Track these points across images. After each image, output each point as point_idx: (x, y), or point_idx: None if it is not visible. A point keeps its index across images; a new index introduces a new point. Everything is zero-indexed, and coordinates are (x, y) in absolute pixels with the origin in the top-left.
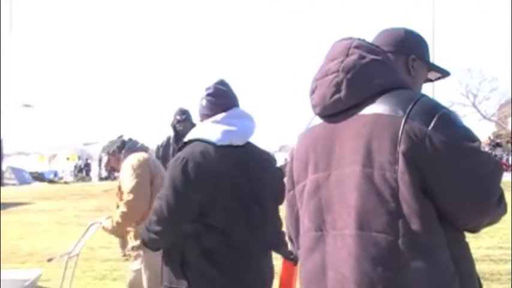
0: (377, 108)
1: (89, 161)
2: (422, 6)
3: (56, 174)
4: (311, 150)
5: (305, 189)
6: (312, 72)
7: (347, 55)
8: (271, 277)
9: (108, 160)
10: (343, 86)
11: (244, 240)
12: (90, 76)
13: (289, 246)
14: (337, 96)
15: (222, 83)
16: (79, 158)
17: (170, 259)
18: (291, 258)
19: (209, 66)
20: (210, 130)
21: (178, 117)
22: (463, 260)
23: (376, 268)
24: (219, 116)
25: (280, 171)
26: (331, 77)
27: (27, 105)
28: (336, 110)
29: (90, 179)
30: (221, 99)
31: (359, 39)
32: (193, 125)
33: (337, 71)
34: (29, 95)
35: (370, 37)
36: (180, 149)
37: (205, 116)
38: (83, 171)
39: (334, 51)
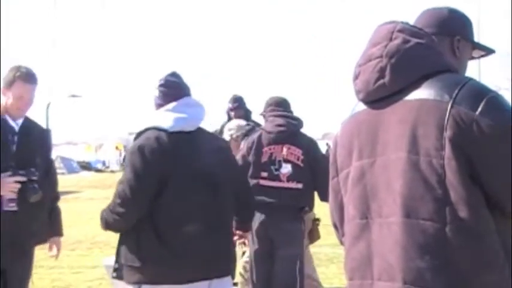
0: (422, 93)
1: None
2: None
3: (103, 163)
4: (355, 137)
5: (349, 176)
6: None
7: (390, 39)
8: (228, 255)
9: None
10: (387, 71)
11: (194, 220)
12: (137, 66)
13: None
14: (381, 81)
15: (173, 74)
16: (125, 147)
17: (126, 238)
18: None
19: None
20: (162, 118)
21: (230, 105)
22: None
23: (424, 256)
24: (171, 105)
25: (325, 158)
26: (375, 62)
27: (74, 96)
28: (380, 95)
29: None
30: (172, 89)
31: (402, 22)
32: (247, 112)
33: (381, 56)
34: (77, 86)
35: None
36: (136, 138)
37: (158, 106)
38: (124, 161)
39: (377, 35)
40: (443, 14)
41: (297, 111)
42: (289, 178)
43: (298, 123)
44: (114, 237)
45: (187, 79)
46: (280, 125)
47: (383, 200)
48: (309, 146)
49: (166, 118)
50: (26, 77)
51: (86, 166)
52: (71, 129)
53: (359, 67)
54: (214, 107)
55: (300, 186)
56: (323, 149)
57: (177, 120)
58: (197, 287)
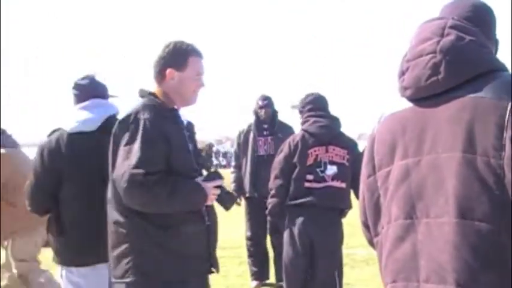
0: (477, 91)
1: None
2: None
3: None
4: (399, 135)
5: (390, 175)
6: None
7: (442, 35)
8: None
9: None
10: (442, 68)
11: (90, 214)
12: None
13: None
14: (434, 78)
15: (85, 77)
16: None
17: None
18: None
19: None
20: (66, 120)
21: (260, 103)
22: None
23: (478, 258)
24: (76, 107)
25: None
26: (427, 58)
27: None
28: (431, 92)
29: None
30: (82, 92)
31: (453, 18)
32: (274, 112)
33: (434, 52)
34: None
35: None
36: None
37: (73, 108)
38: None
39: (426, 31)
40: (479, 8)
41: (375, 98)
42: (334, 177)
43: (338, 122)
44: None
45: None
46: (323, 126)
47: (431, 199)
48: (351, 145)
49: (69, 119)
50: (198, 51)
51: None
52: None
53: (407, 63)
54: (212, 106)
55: (343, 185)
56: None
57: (78, 122)
58: (99, 269)
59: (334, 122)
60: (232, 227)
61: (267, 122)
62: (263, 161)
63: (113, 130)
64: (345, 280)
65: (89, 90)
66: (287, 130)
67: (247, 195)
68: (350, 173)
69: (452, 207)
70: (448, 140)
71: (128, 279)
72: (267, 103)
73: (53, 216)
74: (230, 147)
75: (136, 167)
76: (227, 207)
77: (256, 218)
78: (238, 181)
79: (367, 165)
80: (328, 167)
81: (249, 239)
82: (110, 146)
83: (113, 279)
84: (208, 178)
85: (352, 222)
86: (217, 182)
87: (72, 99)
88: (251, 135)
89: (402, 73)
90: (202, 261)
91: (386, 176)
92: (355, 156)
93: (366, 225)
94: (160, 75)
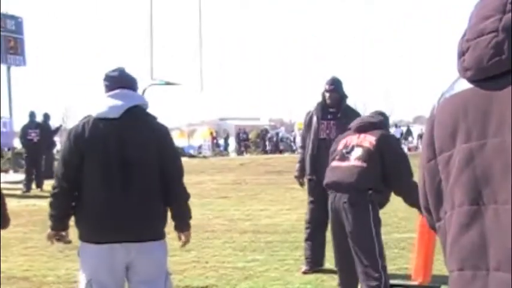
0: None
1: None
2: None
3: (196, 149)
4: (461, 117)
5: (452, 159)
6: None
7: (504, 12)
8: (146, 219)
9: None
10: (506, 47)
11: (101, 196)
12: (227, 53)
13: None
14: (497, 58)
15: (115, 70)
16: (217, 132)
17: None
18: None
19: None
20: (95, 107)
21: (327, 87)
22: None
23: None
24: (105, 95)
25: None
26: (489, 37)
27: (171, 83)
28: (494, 73)
29: (227, 154)
30: (111, 83)
31: None
32: (342, 97)
33: (496, 30)
34: (173, 73)
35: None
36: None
37: (102, 96)
38: (219, 146)
39: (486, 8)
40: None
41: (431, 82)
42: (357, 158)
43: (380, 119)
44: (207, 221)
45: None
46: (361, 121)
47: (499, 184)
48: (383, 135)
49: (96, 106)
50: None
51: (180, 152)
52: (164, 116)
53: (467, 42)
54: (268, 95)
55: (364, 165)
56: None
57: (103, 108)
58: (109, 248)
59: (374, 118)
60: (285, 211)
61: (333, 106)
62: (323, 145)
63: None
64: (402, 264)
65: (117, 81)
66: (353, 116)
67: (308, 177)
68: (376, 157)
69: None
70: None
71: None
72: (333, 88)
73: (77, 193)
74: (284, 132)
75: None
76: None
77: (318, 201)
78: (302, 162)
79: (428, 149)
80: (355, 149)
81: (308, 222)
82: (137, 133)
83: None
84: None
85: (408, 208)
86: None
87: (103, 90)
88: (314, 118)
89: (462, 53)
90: None
91: (447, 160)
92: (387, 144)
93: (427, 210)
94: None
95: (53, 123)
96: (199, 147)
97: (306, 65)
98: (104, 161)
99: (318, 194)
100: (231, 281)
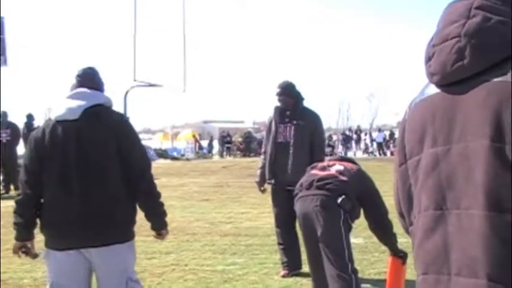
0: (505, 75)
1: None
2: None
3: (180, 151)
4: (428, 122)
5: (420, 164)
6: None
7: (468, 17)
8: (106, 223)
9: None
10: (467, 52)
11: (61, 200)
12: (209, 56)
13: (400, 222)
14: (459, 63)
15: (82, 68)
16: (200, 135)
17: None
18: (400, 256)
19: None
20: (55, 109)
21: (279, 90)
22: None
23: (510, 252)
24: (63, 97)
25: None
26: (452, 42)
27: (153, 85)
28: (458, 78)
29: (211, 156)
30: (75, 82)
31: None
32: (297, 99)
33: (459, 36)
34: (155, 75)
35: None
36: None
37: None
38: (203, 148)
39: (452, 13)
40: None
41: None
42: (338, 171)
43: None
44: (188, 223)
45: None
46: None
47: (461, 190)
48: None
49: (56, 109)
50: None
51: (163, 154)
52: (148, 118)
53: (433, 48)
54: (252, 98)
55: (344, 178)
56: None
57: (60, 111)
58: (72, 254)
59: None
60: (266, 214)
61: (289, 108)
62: (280, 148)
63: None
64: (381, 268)
65: (80, 80)
66: (311, 117)
67: (267, 181)
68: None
69: (482, 198)
70: (476, 128)
71: None
72: (282, 92)
73: (40, 199)
74: None
75: None
76: None
77: (281, 205)
78: (263, 168)
79: (399, 154)
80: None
81: (277, 226)
82: (95, 133)
83: None
84: None
85: (391, 210)
86: None
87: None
88: (273, 122)
89: (429, 58)
90: None
91: (416, 164)
92: None
93: (401, 215)
94: None
95: (40, 124)
96: (180, 150)
97: (291, 68)
98: (63, 165)
99: (280, 197)
100: (210, 284)
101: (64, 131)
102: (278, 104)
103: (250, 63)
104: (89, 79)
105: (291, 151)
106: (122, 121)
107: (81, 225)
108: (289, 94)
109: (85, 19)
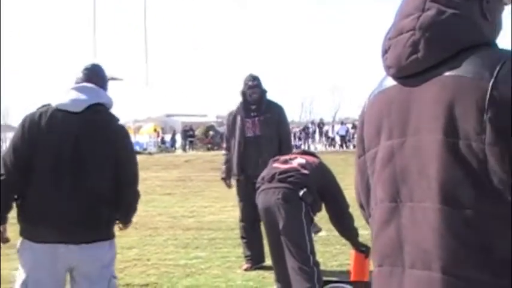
0: (459, 69)
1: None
2: None
3: (142, 146)
4: (385, 115)
5: (377, 156)
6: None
7: (423, 10)
8: (88, 222)
9: None
10: (421, 46)
11: (50, 195)
12: (172, 49)
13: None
14: (414, 56)
15: (86, 67)
16: (163, 129)
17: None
18: (361, 250)
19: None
20: (58, 97)
21: (250, 83)
22: None
23: (464, 245)
24: (68, 87)
25: None
26: (407, 36)
27: (114, 79)
28: (413, 71)
29: (174, 150)
30: (82, 76)
31: None
32: (263, 92)
33: (413, 29)
34: (117, 69)
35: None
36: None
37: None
38: (165, 142)
39: (408, 6)
40: None
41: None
42: (300, 164)
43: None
44: (150, 218)
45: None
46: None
47: (415, 183)
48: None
49: (58, 97)
50: None
51: None
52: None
53: (389, 41)
54: (214, 90)
55: (306, 172)
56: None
57: (63, 100)
58: (52, 248)
59: None
60: (229, 208)
61: (255, 103)
62: (250, 143)
63: None
64: (344, 260)
65: (87, 74)
66: (276, 110)
67: (235, 177)
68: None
69: (435, 192)
70: (430, 122)
71: None
72: (256, 83)
73: (20, 184)
74: None
75: None
76: None
77: (248, 200)
78: (229, 163)
79: (359, 146)
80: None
81: (241, 220)
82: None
83: None
84: None
85: (352, 204)
86: None
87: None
88: (239, 117)
89: (385, 51)
90: None
91: (373, 157)
92: None
93: (361, 206)
94: None
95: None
96: (142, 144)
97: (252, 62)
98: (57, 156)
99: (247, 192)
100: (172, 278)
101: (63, 121)
102: (247, 96)
103: (213, 56)
104: (96, 75)
105: (261, 145)
106: (123, 129)
107: (66, 221)
108: (260, 86)
109: (45, 12)
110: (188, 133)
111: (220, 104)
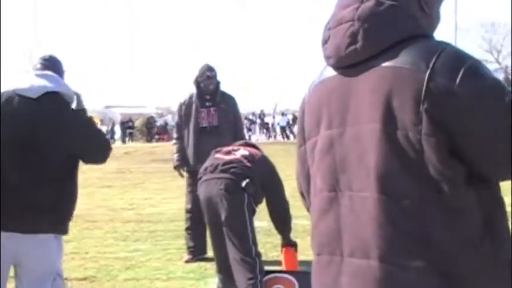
0: (396, 60)
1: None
2: None
3: None
4: (324, 105)
5: (316, 146)
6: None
7: (362, 1)
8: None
9: None
10: (360, 36)
11: (10, 173)
12: (111, 39)
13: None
14: (352, 47)
15: (44, 57)
16: (101, 120)
17: None
18: (291, 245)
19: None
20: (20, 81)
21: (208, 74)
22: (495, 219)
23: (401, 234)
24: (30, 73)
25: None
26: (346, 26)
27: None
28: (352, 61)
29: (113, 142)
30: (40, 67)
31: None
32: (218, 83)
33: (352, 20)
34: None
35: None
36: None
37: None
38: (107, 134)
39: None
40: None
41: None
42: (243, 155)
43: None
44: (88, 210)
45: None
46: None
47: (354, 172)
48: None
49: (17, 81)
50: None
51: None
52: None
53: (328, 31)
54: (153, 81)
55: (249, 164)
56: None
57: (22, 85)
58: (6, 237)
59: None
60: (169, 200)
61: (210, 93)
62: (206, 133)
63: None
64: None
65: (45, 64)
66: (231, 101)
67: (190, 168)
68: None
69: (373, 182)
70: (368, 112)
71: None
72: (214, 74)
73: None
74: (171, 120)
75: None
76: None
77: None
78: (182, 152)
79: (299, 135)
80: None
81: (188, 211)
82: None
83: None
84: None
85: (294, 194)
86: None
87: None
88: (193, 107)
89: (325, 41)
90: None
91: (313, 146)
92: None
93: (302, 195)
94: None
95: None
96: None
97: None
98: (7, 141)
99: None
100: (112, 271)
101: (21, 106)
102: (197, 87)
103: (151, 47)
104: (53, 65)
105: (219, 136)
106: (81, 118)
107: (18, 208)
108: (216, 77)
109: None
110: (127, 124)
111: (159, 95)
